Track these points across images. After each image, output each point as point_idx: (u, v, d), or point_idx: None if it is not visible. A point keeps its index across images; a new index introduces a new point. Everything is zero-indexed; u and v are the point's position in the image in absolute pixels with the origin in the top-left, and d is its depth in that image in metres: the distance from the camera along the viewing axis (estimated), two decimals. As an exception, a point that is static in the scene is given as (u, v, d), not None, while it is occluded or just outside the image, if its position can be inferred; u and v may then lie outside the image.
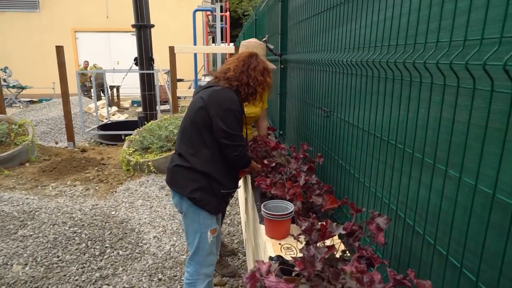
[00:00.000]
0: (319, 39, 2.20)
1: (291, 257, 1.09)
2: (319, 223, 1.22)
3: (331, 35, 1.92)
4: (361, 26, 1.50)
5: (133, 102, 12.39)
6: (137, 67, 7.51)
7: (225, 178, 1.98)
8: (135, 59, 7.56)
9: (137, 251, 3.03)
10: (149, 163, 4.96)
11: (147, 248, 3.09)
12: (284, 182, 1.75)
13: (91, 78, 11.50)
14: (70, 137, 6.69)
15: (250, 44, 2.51)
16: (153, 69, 7.33)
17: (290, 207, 1.61)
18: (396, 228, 1.27)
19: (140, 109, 11.71)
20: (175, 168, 1.97)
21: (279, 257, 1.39)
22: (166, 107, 10.04)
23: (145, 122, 6.26)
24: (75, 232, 3.17)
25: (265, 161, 1.97)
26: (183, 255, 3.00)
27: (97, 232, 3.24)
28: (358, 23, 1.54)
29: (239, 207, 3.94)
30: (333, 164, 1.94)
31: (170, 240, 3.23)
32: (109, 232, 3.27)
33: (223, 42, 11.33)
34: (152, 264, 2.85)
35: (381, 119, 1.33)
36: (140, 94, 7.57)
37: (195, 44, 10.29)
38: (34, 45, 14.04)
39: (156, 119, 7.31)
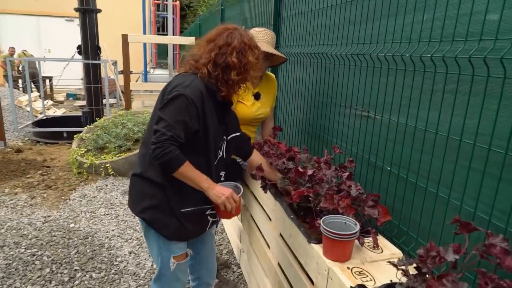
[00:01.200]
0: (340, 32, 1.99)
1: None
2: (432, 245, 1.00)
3: (368, 27, 1.72)
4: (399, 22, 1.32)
5: (68, 95, 11.19)
6: (80, 56, 6.69)
7: (188, 193, 1.53)
8: (79, 47, 6.72)
9: (113, 271, 2.58)
10: (107, 165, 4.38)
11: (124, 267, 2.65)
12: (333, 193, 1.51)
13: (20, 67, 10.15)
14: (1, 135, 5.72)
15: (262, 31, 2.09)
16: (99, 59, 6.59)
17: (351, 222, 1.38)
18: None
19: (78, 102, 10.63)
20: (131, 178, 1.63)
21: (361, 287, 1.16)
22: (113, 100, 9.19)
23: (97, 118, 5.58)
24: (34, 255, 2.60)
25: (300, 168, 1.71)
26: (170, 272, 2.62)
27: (61, 252, 2.70)
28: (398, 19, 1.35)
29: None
30: (372, 170, 1.75)
31: (149, 256, 2.81)
32: (75, 250, 2.75)
33: (164, 34, 10.68)
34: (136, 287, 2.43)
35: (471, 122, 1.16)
36: (81, 87, 6.76)
37: (144, 33, 9.53)
38: None
39: (103, 114, 6.59)
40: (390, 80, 1.58)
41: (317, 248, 1.40)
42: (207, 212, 1.64)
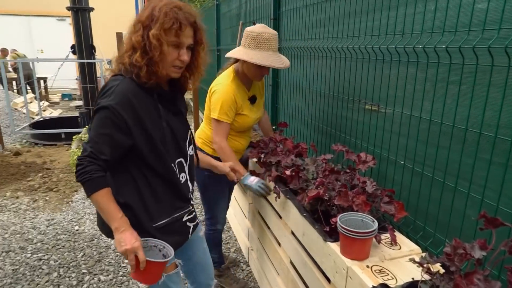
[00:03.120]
0: (343, 25, 1.96)
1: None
2: (457, 242, 0.98)
3: (367, 20, 1.69)
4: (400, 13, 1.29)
5: (63, 96, 11.09)
6: (74, 56, 6.60)
7: (156, 207, 1.36)
8: (72, 46, 6.62)
9: (121, 273, 2.56)
10: (108, 166, 4.34)
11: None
12: (347, 190, 1.49)
13: (13, 68, 10.01)
14: (-2, 139, 5.65)
15: (263, 36, 1.89)
16: (94, 58, 6.50)
17: (368, 219, 1.36)
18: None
19: (74, 103, 10.53)
20: None
21: (383, 286, 1.15)
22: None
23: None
24: (40, 259, 2.57)
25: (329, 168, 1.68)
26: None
27: (68, 255, 2.67)
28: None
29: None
30: (384, 165, 1.73)
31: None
32: (81, 253, 2.72)
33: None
34: (145, 289, 2.41)
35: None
36: (76, 87, 6.67)
37: (137, 31, 9.40)
38: None
39: (101, 114, 6.52)
40: (401, 72, 1.55)
41: (334, 247, 1.38)
42: (184, 219, 1.47)
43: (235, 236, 3.11)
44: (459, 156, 1.30)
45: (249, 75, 1.97)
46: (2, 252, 2.66)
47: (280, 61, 1.92)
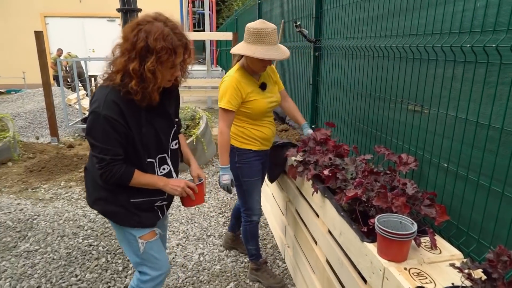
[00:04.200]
0: (387, 23, 1.92)
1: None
2: (502, 248, 0.95)
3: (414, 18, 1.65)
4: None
5: (112, 93, 11.70)
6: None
7: (133, 188, 1.57)
8: (121, 46, 6.98)
9: (162, 262, 2.69)
10: (152, 160, 4.55)
11: (173, 258, 2.76)
12: (386, 191, 1.47)
13: (67, 67, 10.71)
14: (54, 132, 6.10)
15: (263, 31, 2.01)
16: (142, 57, 6.81)
17: (407, 221, 1.34)
18: None
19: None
20: (84, 170, 1.70)
21: (421, 289, 1.13)
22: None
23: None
24: (90, 245, 2.77)
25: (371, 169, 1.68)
26: (216, 265, 2.69)
27: (114, 243, 2.85)
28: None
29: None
30: (426, 168, 1.68)
31: (196, 248, 2.90)
32: (127, 242, 2.89)
33: (200, 30, 10.76)
34: (185, 279, 2.52)
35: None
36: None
37: (182, 30, 9.72)
38: (-1, 31, 12.90)
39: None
40: (448, 72, 1.51)
41: (371, 247, 1.38)
42: (156, 204, 1.68)
43: (271, 233, 3.15)
44: (507, 161, 1.24)
45: (252, 67, 2.12)
46: (58, 236, 2.89)
47: (280, 53, 2.06)
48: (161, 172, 1.64)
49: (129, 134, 1.47)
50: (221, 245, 2.94)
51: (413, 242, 1.35)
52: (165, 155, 1.65)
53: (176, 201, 3.80)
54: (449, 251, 1.35)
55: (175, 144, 1.71)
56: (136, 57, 1.35)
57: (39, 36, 5.73)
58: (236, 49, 2.11)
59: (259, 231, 3.15)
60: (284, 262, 2.74)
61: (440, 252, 1.35)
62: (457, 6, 1.45)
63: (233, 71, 2.15)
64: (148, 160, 1.58)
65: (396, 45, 1.81)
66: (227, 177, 2.12)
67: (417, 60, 1.70)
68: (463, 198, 1.46)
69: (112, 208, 1.59)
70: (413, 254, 1.33)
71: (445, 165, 1.55)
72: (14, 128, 5.21)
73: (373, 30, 2.11)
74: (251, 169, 2.25)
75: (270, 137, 2.30)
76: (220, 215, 3.47)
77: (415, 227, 1.28)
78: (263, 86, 2.19)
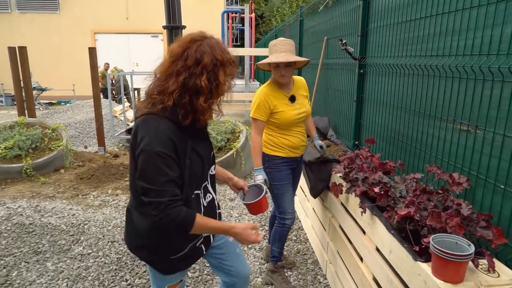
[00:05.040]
0: (433, 43, 1.93)
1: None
2: None
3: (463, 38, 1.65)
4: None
5: (152, 105, 12.21)
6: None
7: (178, 242, 1.47)
8: (165, 61, 7.32)
9: (205, 272, 2.77)
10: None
11: (216, 268, 2.82)
12: (440, 211, 1.47)
13: (114, 81, 11.35)
14: (101, 142, 6.46)
15: (272, 43, 2.32)
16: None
17: (463, 242, 1.33)
18: None
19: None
20: (127, 210, 1.52)
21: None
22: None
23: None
24: (139, 251, 2.91)
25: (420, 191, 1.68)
26: (258, 277, 2.73)
27: (161, 250, 2.98)
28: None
29: (301, 222, 3.66)
30: (480, 189, 1.66)
31: (237, 259, 2.96)
32: (172, 250, 3.00)
33: (239, 45, 11.03)
34: (228, 289, 2.58)
35: None
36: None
37: (222, 46, 10.09)
38: (53, 46, 13.92)
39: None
40: (506, 93, 1.50)
41: (425, 267, 1.38)
42: (198, 244, 1.55)
43: (312, 248, 3.16)
44: None
45: (275, 77, 2.34)
46: (108, 242, 3.06)
47: (280, 57, 2.23)
48: (206, 201, 1.53)
49: (180, 168, 1.32)
50: (262, 257, 2.98)
51: (470, 263, 1.34)
52: (207, 182, 1.53)
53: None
54: (508, 275, 1.32)
55: (213, 169, 1.59)
56: (202, 71, 1.28)
57: (92, 52, 6.15)
58: (258, 63, 2.39)
59: (299, 246, 3.17)
60: (325, 278, 2.73)
61: (499, 275, 1.32)
62: (505, 29, 1.45)
63: (264, 85, 2.39)
64: (195, 192, 1.44)
65: (448, 64, 1.81)
66: (260, 176, 2.28)
67: (471, 80, 1.69)
68: (523, 221, 1.43)
69: (156, 258, 1.48)
70: (470, 277, 1.31)
71: (502, 187, 1.52)
72: (66, 137, 5.57)
73: (418, 50, 2.13)
74: (280, 174, 2.43)
75: (298, 146, 2.46)
76: (261, 228, 3.52)
77: (472, 249, 1.27)
78: (292, 99, 2.38)
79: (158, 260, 1.48)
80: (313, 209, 3.13)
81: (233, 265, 1.72)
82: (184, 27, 7.21)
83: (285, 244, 3.02)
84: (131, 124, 8.14)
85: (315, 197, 2.75)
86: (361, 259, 2.05)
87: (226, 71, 1.33)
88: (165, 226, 1.27)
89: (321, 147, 2.59)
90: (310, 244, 3.24)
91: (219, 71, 1.31)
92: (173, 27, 7.03)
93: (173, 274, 1.54)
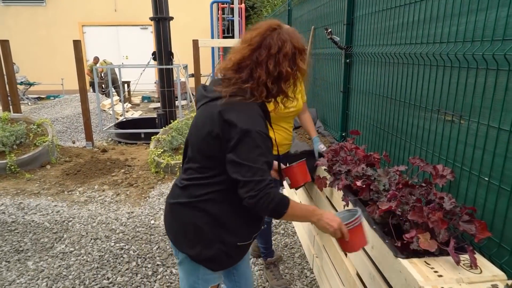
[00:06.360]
0: (420, 30, 1.86)
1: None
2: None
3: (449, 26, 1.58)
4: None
5: (143, 98, 12.06)
6: (154, 62, 7.15)
7: (243, 225, 1.40)
8: (153, 53, 7.19)
9: (191, 268, 2.71)
10: (181, 166, 4.63)
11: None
12: (422, 205, 1.42)
13: (102, 74, 11.18)
14: (89, 137, 6.34)
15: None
16: (172, 64, 6.97)
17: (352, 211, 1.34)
18: None
19: (152, 105, 11.39)
20: (173, 206, 1.43)
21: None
22: (184, 102, 9.70)
23: (171, 120, 5.93)
24: (122, 249, 2.84)
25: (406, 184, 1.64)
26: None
27: (145, 247, 2.91)
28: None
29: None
30: (464, 182, 1.61)
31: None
32: (156, 246, 2.94)
33: (230, 36, 10.93)
34: (213, 285, 2.53)
35: None
36: (154, 89, 7.20)
37: (212, 37, 9.90)
38: (41, 40, 13.63)
39: (175, 116, 6.97)
40: (490, 81, 1.44)
41: (406, 263, 1.33)
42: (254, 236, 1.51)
43: (299, 242, 3.11)
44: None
45: None
46: (91, 239, 2.99)
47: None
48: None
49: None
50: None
51: (451, 260, 1.29)
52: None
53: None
54: (490, 271, 1.28)
55: None
56: (286, 59, 1.29)
57: (77, 45, 6.00)
58: None
59: (287, 240, 3.13)
60: (312, 272, 2.69)
61: (481, 272, 1.28)
62: (501, 12, 1.38)
63: None
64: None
65: (433, 52, 1.75)
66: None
67: (455, 69, 1.63)
68: (506, 215, 1.38)
69: (212, 252, 1.36)
70: (452, 273, 1.26)
71: (486, 179, 1.47)
72: (53, 132, 5.46)
73: (406, 37, 2.06)
74: None
75: (281, 144, 2.31)
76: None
77: (359, 212, 1.37)
78: None
79: (213, 254, 1.36)
80: (300, 202, 3.07)
81: (239, 282, 1.69)
82: (172, 18, 7.08)
83: (273, 238, 2.98)
84: (120, 118, 8.02)
85: (296, 189, 2.69)
86: (346, 254, 2.01)
87: (302, 58, 1.35)
88: (261, 206, 1.23)
89: (319, 153, 2.43)
90: (298, 238, 3.19)
91: (297, 58, 1.33)
92: (161, 18, 6.90)
93: (217, 273, 1.45)
